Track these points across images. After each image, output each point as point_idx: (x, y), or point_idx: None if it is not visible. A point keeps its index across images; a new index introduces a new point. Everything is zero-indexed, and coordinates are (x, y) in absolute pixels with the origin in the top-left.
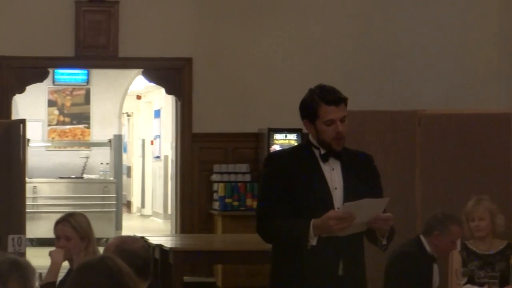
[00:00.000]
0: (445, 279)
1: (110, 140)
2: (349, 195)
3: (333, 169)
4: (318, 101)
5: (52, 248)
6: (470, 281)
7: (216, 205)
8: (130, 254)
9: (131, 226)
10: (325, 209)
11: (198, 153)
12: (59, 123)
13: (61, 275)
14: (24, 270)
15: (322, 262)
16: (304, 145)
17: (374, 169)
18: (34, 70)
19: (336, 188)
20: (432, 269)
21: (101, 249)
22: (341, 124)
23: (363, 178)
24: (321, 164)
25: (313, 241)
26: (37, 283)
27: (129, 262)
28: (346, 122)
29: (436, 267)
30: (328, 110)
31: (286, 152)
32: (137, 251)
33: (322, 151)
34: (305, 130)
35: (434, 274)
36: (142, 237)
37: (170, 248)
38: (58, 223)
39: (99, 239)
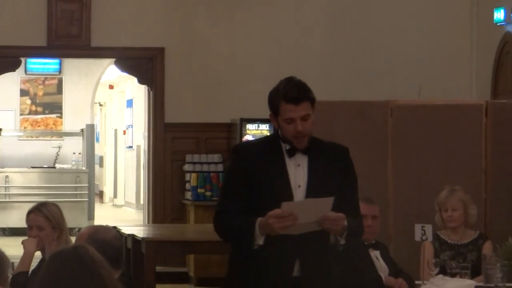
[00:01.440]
0: (417, 269)
1: (82, 130)
2: (311, 194)
3: (298, 165)
4: (280, 98)
5: (25, 238)
6: (442, 271)
7: (188, 195)
8: (102, 244)
9: (103, 216)
10: None
11: (170, 143)
12: (31, 112)
13: (33, 264)
14: None
15: (276, 261)
16: (273, 137)
17: (347, 163)
18: (6, 60)
19: (299, 186)
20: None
21: (73, 239)
22: (302, 123)
23: (331, 175)
24: (286, 159)
25: (260, 241)
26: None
27: (102, 251)
28: (310, 120)
29: (377, 253)
30: (287, 108)
31: (253, 145)
32: (110, 240)
33: (288, 146)
34: None
35: (375, 260)
36: (115, 227)
37: (142, 238)
38: (30, 212)
39: (71, 229)
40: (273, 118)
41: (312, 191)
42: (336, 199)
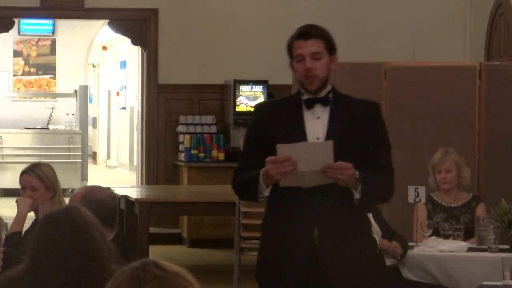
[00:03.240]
0: (410, 231)
1: (75, 91)
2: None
3: (318, 117)
4: (291, 38)
5: (19, 198)
6: (435, 233)
7: (181, 156)
8: (96, 204)
9: (96, 177)
10: None
11: (163, 104)
12: (24, 73)
13: (26, 225)
14: None
15: (295, 229)
16: (295, 93)
17: (375, 118)
18: None
19: (318, 138)
20: None
21: (66, 200)
22: (311, 61)
23: (354, 130)
24: (305, 111)
25: (266, 192)
26: (3, 233)
27: (96, 211)
28: (323, 60)
29: (370, 215)
30: (297, 44)
31: (273, 102)
32: (104, 200)
33: (306, 96)
34: (271, 82)
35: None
36: (108, 188)
37: (136, 199)
38: (23, 173)
39: (64, 190)
40: (291, 66)
41: (333, 144)
42: (359, 159)
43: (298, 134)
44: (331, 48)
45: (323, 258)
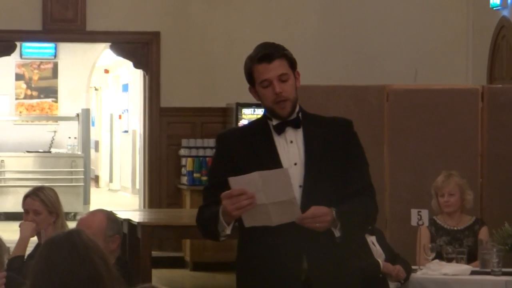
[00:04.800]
0: (414, 254)
1: (78, 114)
2: (312, 171)
3: (291, 141)
4: (252, 62)
5: (21, 222)
6: (438, 256)
7: (184, 179)
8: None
9: (99, 201)
10: None
11: (166, 128)
12: (26, 97)
13: (29, 249)
14: None
15: (283, 259)
16: (260, 118)
17: (350, 135)
18: (1, 44)
19: (296, 164)
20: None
21: (69, 224)
22: (280, 84)
23: (331, 150)
24: (275, 137)
25: (227, 230)
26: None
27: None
28: (290, 82)
29: (374, 239)
30: (260, 69)
31: (237, 130)
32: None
33: (275, 122)
34: None
35: (371, 245)
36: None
37: (138, 222)
38: (26, 197)
39: (67, 214)
40: (253, 91)
41: (311, 167)
42: (339, 181)
43: (272, 162)
44: (293, 65)
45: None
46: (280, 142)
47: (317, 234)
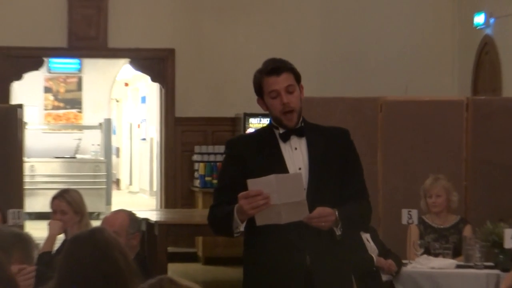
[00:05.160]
0: (404, 250)
1: (100, 124)
2: (314, 175)
3: (295, 148)
4: (261, 74)
5: (50, 221)
6: (426, 252)
7: (197, 182)
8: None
9: (120, 202)
10: None
11: (180, 136)
12: (54, 108)
13: (56, 246)
14: (26, 242)
15: (287, 253)
16: (267, 127)
17: (348, 143)
18: (31, 60)
19: (300, 169)
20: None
21: (92, 222)
22: (287, 95)
23: (332, 157)
24: (281, 144)
25: (241, 227)
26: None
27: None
28: (296, 93)
29: (368, 236)
30: (269, 81)
31: (246, 137)
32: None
33: (281, 130)
34: None
35: (366, 242)
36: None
37: (155, 221)
38: (54, 198)
39: (90, 213)
40: (261, 102)
41: (314, 172)
42: (338, 184)
43: (279, 166)
44: (298, 79)
45: (315, 283)
46: (286, 149)
47: (319, 232)
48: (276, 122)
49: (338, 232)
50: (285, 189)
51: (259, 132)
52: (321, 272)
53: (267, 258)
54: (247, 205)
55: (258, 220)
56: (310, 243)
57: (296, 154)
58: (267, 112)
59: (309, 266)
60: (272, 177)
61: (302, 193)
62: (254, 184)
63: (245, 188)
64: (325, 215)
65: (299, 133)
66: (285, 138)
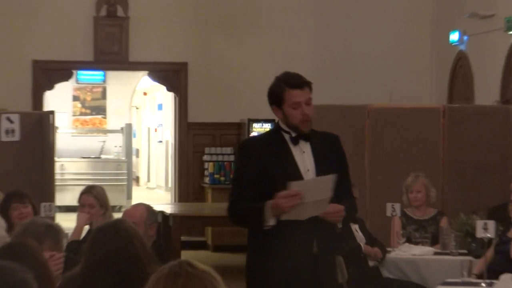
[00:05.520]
0: (388, 239)
1: (122, 128)
2: (321, 176)
3: (303, 151)
4: (283, 86)
5: (78, 214)
6: (408, 241)
7: (206, 179)
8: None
9: (139, 197)
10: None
11: (192, 138)
12: (81, 114)
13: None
14: (57, 232)
15: (297, 242)
16: (274, 130)
17: (340, 148)
18: (61, 72)
19: (308, 170)
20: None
21: (114, 215)
22: (306, 107)
23: (332, 158)
24: (291, 147)
25: (271, 221)
26: (65, 241)
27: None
28: (311, 105)
29: (357, 226)
30: (293, 94)
31: (258, 138)
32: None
33: (293, 134)
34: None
35: (355, 232)
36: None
37: (170, 213)
38: (82, 193)
39: (113, 207)
40: (277, 110)
41: (321, 173)
42: (335, 183)
43: (292, 167)
44: (311, 91)
45: (320, 268)
46: (296, 152)
47: (324, 225)
48: (291, 128)
49: (339, 225)
50: (318, 189)
51: (270, 135)
52: (325, 259)
53: (276, 246)
54: (287, 204)
55: (284, 216)
56: (317, 234)
57: (305, 157)
58: (268, 118)
59: (316, 254)
60: (312, 180)
61: (329, 191)
62: (296, 186)
63: (265, 184)
64: (339, 211)
65: (306, 138)
66: (296, 142)
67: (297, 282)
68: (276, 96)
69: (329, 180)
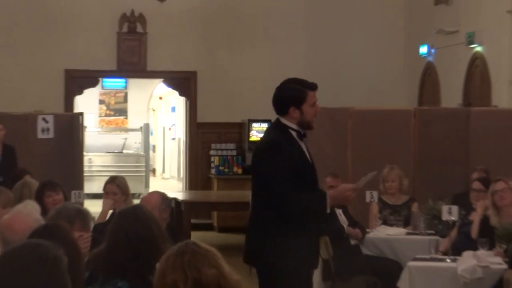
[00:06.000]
0: (367, 221)
1: (141, 127)
2: (314, 168)
3: (304, 147)
4: (306, 89)
5: (103, 200)
6: (384, 223)
7: (213, 171)
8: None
9: (155, 186)
10: (313, 181)
11: (200, 136)
12: (106, 115)
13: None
14: (85, 215)
15: (313, 223)
16: (283, 129)
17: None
18: (89, 79)
19: (311, 163)
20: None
21: (134, 201)
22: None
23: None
24: (300, 143)
25: (328, 210)
26: (92, 223)
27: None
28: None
29: (340, 211)
30: (313, 95)
31: (283, 138)
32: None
33: (302, 131)
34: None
35: (338, 215)
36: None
37: (182, 200)
38: (107, 183)
39: (133, 194)
40: (294, 110)
41: (314, 167)
42: None
43: (306, 162)
44: None
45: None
46: (303, 147)
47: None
48: (303, 124)
49: (328, 210)
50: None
51: (283, 133)
52: (326, 233)
53: (295, 227)
54: (352, 196)
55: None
56: (325, 218)
57: (305, 151)
58: (265, 119)
59: (322, 232)
60: (367, 177)
61: (366, 179)
62: (362, 181)
63: (297, 178)
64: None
65: (305, 134)
66: (301, 138)
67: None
68: (298, 98)
69: (372, 175)
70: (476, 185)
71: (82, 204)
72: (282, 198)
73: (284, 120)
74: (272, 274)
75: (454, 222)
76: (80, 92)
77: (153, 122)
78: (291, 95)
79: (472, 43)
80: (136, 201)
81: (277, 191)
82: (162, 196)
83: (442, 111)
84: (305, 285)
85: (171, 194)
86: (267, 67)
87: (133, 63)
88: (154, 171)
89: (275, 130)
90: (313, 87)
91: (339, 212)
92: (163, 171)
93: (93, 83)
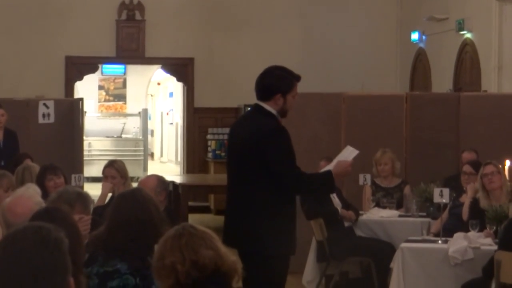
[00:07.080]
0: (361, 204)
1: (139, 112)
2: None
3: None
4: (294, 79)
5: (102, 183)
6: (377, 205)
7: (209, 155)
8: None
9: (153, 169)
10: None
11: (197, 121)
12: (105, 100)
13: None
14: (85, 198)
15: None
16: (270, 114)
17: None
18: (89, 65)
19: None
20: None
21: (133, 184)
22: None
23: None
24: None
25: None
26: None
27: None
28: None
29: (334, 194)
30: (296, 85)
31: (278, 122)
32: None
33: (280, 118)
34: None
35: (333, 198)
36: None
37: (179, 183)
38: (106, 167)
39: (131, 177)
40: (280, 98)
41: None
42: None
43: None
44: None
45: None
46: None
47: None
48: (283, 113)
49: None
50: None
51: (273, 119)
52: None
53: (292, 211)
54: (350, 169)
55: None
56: None
57: None
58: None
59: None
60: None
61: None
62: (351, 152)
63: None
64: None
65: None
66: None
67: None
68: (287, 87)
69: (351, 150)
70: (467, 168)
71: (82, 187)
72: (296, 178)
73: (267, 106)
74: (268, 255)
75: (445, 205)
76: (80, 78)
77: (151, 107)
78: (280, 82)
79: (462, 30)
80: (135, 184)
81: (292, 172)
82: (159, 179)
83: (433, 96)
84: (287, 268)
85: (168, 177)
86: (263, 54)
87: (132, 50)
88: (152, 155)
89: (266, 116)
90: (298, 78)
91: (333, 195)
92: (161, 155)
93: (93, 69)
